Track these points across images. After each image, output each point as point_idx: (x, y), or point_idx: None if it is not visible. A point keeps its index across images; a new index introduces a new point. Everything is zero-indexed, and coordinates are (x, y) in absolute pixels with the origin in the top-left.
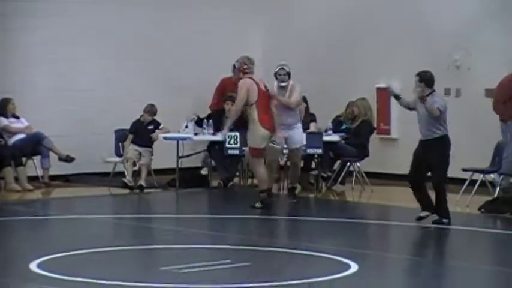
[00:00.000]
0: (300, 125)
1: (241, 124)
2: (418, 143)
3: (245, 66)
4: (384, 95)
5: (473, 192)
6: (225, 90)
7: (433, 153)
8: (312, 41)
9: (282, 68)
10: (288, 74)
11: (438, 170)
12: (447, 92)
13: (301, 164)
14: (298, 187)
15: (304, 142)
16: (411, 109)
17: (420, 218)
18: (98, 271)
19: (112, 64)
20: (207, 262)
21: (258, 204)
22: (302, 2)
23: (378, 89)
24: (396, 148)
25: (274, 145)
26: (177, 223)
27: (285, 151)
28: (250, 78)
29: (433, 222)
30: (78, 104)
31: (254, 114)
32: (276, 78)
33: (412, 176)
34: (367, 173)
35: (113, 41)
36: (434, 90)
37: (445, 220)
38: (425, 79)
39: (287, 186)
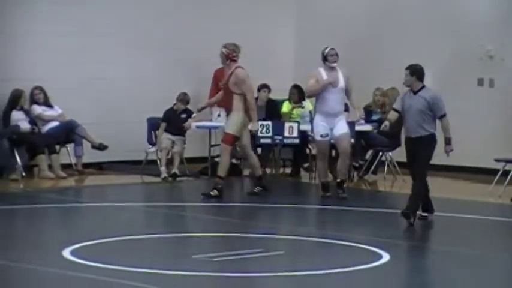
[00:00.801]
0: (343, 117)
1: (272, 114)
2: (405, 141)
3: (234, 54)
4: None
5: (506, 183)
6: (218, 81)
7: (420, 150)
8: (343, 30)
9: (332, 48)
10: (337, 54)
11: (421, 162)
12: (480, 82)
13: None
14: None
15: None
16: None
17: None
18: (130, 259)
19: (145, 53)
20: (238, 251)
21: (213, 193)
22: None
23: None
24: None
25: (326, 138)
26: (209, 211)
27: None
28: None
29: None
30: (111, 92)
31: (241, 103)
32: (326, 59)
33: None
34: (399, 163)
35: (146, 30)
36: (424, 85)
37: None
38: (416, 72)
39: (335, 179)
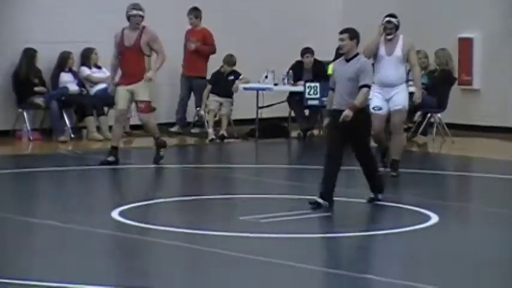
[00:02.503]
0: (404, 86)
1: (319, 75)
2: (331, 114)
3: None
4: (466, 45)
5: None
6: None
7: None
8: None
9: (389, 21)
10: (396, 26)
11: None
12: None
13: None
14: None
15: (407, 107)
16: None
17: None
18: (177, 220)
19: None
20: (286, 212)
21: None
22: None
23: (460, 39)
24: (478, 99)
25: (379, 112)
26: (257, 173)
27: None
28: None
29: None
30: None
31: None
32: (384, 30)
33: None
34: (448, 124)
35: None
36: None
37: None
38: (357, 36)
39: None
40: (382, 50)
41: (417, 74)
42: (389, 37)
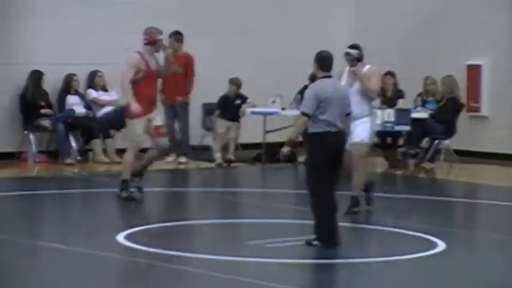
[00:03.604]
0: (367, 119)
1: None
2: (331, 137)
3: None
4: (474, 72)
5: None
6: None
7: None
8: (400, 17)
9: (347, 53)
10: (357, 58)
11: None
12: None
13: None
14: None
15: (367, 140)
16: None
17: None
18: (184, 244)
19: (198, 39)
20: (293, 237)
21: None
22: None
23: (469, 66)
24: (486, 126)
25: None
26: (264, 197)
27: None
28: None
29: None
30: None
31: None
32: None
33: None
34: (456, 151)
35: (200, 16)
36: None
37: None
38: (317, 61)
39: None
40: (344, 81)
41: (371, 83)
42: (352, 68)
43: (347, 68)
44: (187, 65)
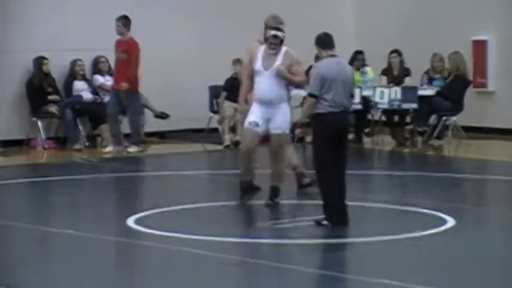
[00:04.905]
0: (286, 105)
1: None
2: (335, 117)
3: None
4: (480, 48)
5: None
6: None
7: None
8: None
9: (275, 36)
10: (282, 41)
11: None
12: None
13: (286, 157)
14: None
15: (287, 131)
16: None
17: None
18: (194, 227)
19: (204, 22)
20: (303, 218)
21: None
22: None
23: (475, 41)
24: (493, 101)
25: (255, 128)
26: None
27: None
28: None
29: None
30: (173, 61)
31: None
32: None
33: None
34: (463, 127)
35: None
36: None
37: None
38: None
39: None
40: (259, 64)
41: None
42: (272, 52)
43: (262, 48)
44: (130, 51)
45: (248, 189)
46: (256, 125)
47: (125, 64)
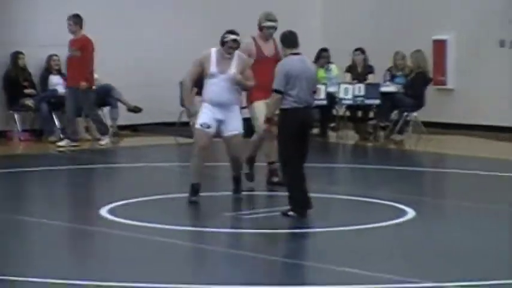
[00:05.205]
0: (237, 108)
1: None
2: (299, 113)
3: None
4: (440, 47)
5: None
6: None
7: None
8: None
9: (235, 40)
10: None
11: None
12: (502, 43)
13: (243, 156)
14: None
15: (242, 130)
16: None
17: None
18: (164, 217)
19: (175, 18)
20: (269, 208)
21: None
22: None
23: (435, 41)
24: (452, 98)
25: (208, 130)
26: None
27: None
28: None
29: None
30: (145, 57)
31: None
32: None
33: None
34: (424, 123)
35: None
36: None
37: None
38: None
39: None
40: (214, 68)
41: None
42: (228, 56)
43: (214, 50)
44: (83, 49)
45: (198, 191)
46: (208, 126)
47: (79, 61)
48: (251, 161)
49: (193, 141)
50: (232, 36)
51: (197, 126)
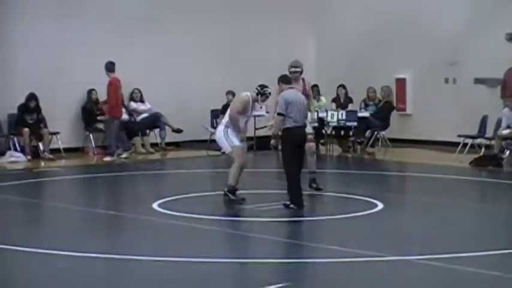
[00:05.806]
0: (221, 128)
1: None
2: (297, 130)
3: None
4: (401, 83)
5: (465, 152)
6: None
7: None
8: (351, 44)
9: (263, 94)
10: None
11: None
12: (446, 80)
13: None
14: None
15: (228, 150)
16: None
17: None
18: (205, 209)
19: (207, 57)
20: (276, 202)
21: None
22: (342, 16)
23: (397, 79)
24: (410, 121)
25: (243, 147)
26: (255, 175)
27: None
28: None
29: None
30: (184, 90)
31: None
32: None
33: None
34: (389, 139)
35: (206, 45)
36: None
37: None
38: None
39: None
40: (249, 110)
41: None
42: (261, 103)
43: (249, 95)
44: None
45: (236, 191)
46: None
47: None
48: (235, 191)
49: (234, 155)
50: (269, 90)
51: (237, 144)
